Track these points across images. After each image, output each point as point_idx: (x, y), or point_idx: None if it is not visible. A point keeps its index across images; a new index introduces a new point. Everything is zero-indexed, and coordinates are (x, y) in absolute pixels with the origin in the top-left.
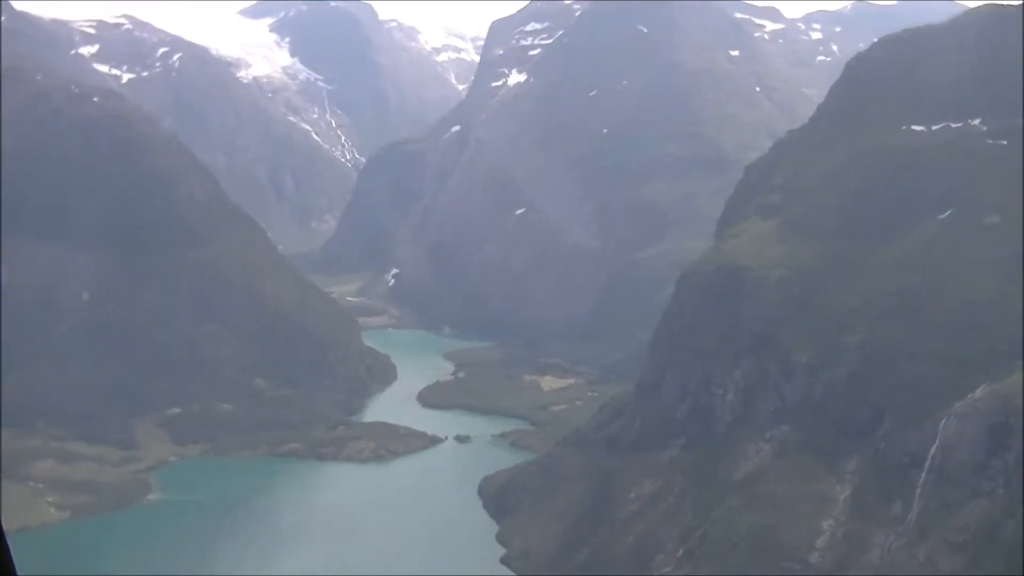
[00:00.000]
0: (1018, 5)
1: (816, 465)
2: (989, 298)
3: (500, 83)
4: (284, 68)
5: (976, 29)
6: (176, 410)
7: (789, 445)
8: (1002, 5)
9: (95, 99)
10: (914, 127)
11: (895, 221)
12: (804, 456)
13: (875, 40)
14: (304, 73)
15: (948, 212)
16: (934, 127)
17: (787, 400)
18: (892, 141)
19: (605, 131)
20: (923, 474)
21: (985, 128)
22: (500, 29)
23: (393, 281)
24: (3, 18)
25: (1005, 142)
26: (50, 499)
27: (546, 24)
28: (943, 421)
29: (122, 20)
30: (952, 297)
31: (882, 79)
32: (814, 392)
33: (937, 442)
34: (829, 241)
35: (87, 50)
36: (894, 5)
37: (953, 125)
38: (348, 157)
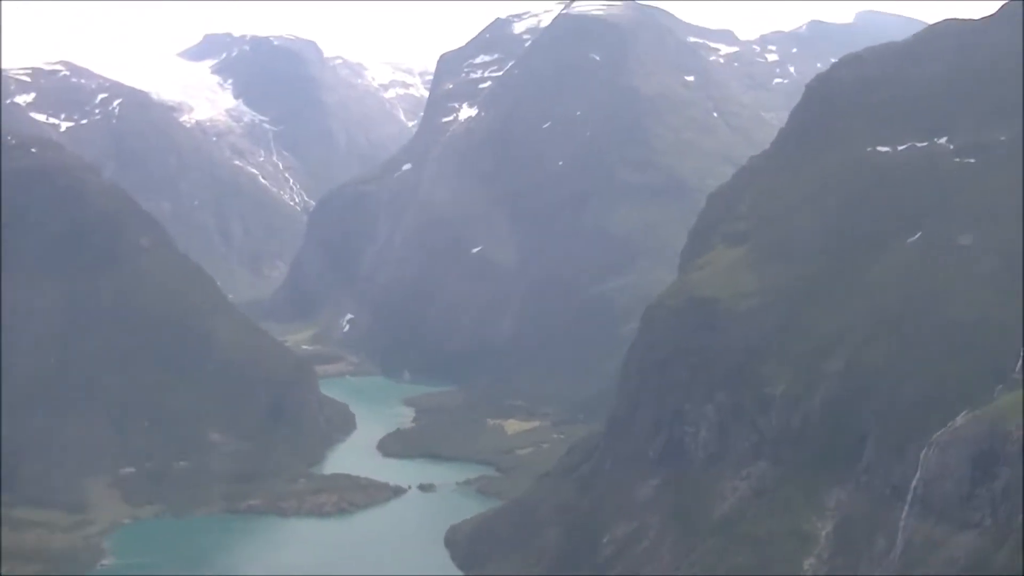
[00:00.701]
0: (979, 19)
1: (796, 501)
2: (968, 320)
3: (451, 118)
4: (228, 110)
5: (937, 45)
6: (129, 469)
7: (768, 481)
8: (963, 20)
9: (33, 149)
10: (879, 148)
11: (867, 244)
12: (784, 492)
13: (833, 60)
14: (249, 115)
15: (918, 234)
16: (900, 147)
17: (764, 434)
18: (858, 163)
19: (560, 163)
20: (906, 507)
21: (952, 147)
22: (449, 63)
23: (348, 327)
24: None
25: (973, 160)
26: None
27: (496, 56)
28: (923, 451)
29: (58, 67)
30: (931, 320)
31: (844, 100)
32: (792, 424)
33: (919, 473)
34: (800, 267)
35: (23, 99)
36: (851, 24)
37: (919, 145)
38: (297, 200)
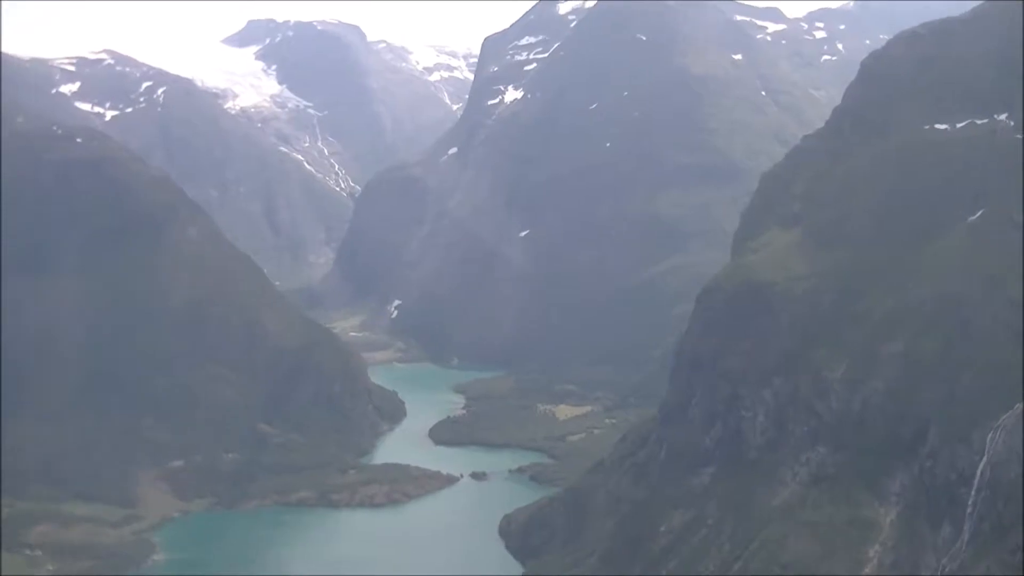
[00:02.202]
0: None
1: (858, 488)
2: None
3: (497, 100)
4: (272, 96)
5: (996, 20)
6: (178, 462)
7: (828, 467)
8: None
9: (78, 140)
10: (937, 125)
11: (926, 224)
12: (844, 478)
13: (882, 36)
14: (293, 101)
15: (980, 212)
16: (959, 124)
17: (823, 419)
18: (916, 141)
19: (608, 145)
20: (973, 492)
21: (1012, 123)
22: (493, 45)
23: (396, 313)
24: None
25: None
26: (50, 567)
27: (540, 37)
28: (989, 435)
29: (103, 55)
30: (993, 300)
31: (900, 77)
32: (851, 409)
33: (985, 458)
34: (858, 249)
35: (68, 88)
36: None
37: (978, 121)
38: (343, 186)
